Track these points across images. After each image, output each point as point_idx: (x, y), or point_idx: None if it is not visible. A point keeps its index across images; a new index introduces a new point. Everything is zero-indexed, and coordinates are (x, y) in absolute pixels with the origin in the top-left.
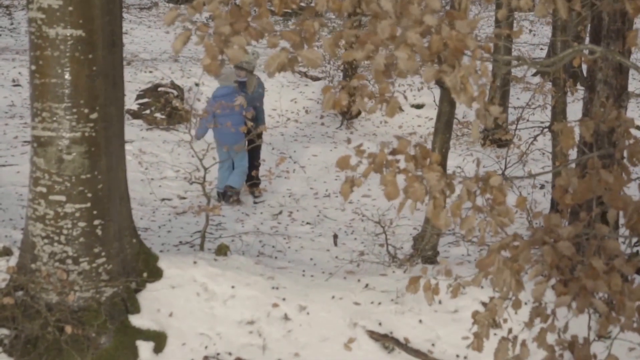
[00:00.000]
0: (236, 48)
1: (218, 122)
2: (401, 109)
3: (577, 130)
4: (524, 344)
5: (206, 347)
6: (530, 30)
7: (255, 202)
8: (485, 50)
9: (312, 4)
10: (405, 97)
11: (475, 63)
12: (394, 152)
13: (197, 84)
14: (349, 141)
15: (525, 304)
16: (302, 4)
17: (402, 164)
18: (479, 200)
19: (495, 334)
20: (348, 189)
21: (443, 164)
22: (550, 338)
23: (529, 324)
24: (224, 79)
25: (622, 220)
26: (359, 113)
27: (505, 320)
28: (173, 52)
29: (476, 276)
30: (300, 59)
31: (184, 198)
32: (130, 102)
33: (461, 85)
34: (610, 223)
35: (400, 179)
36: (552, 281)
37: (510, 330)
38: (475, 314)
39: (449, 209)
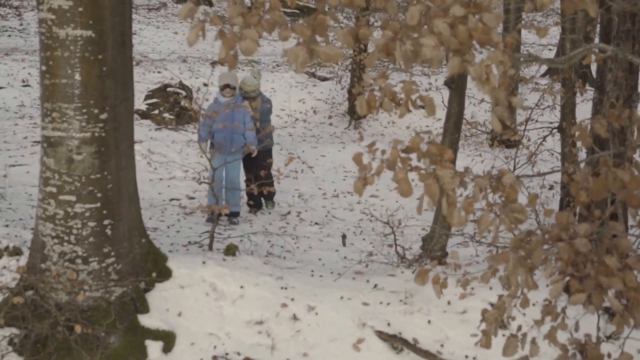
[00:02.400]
0: (249, 41)
1: (216, 131)
2: (409, 110)
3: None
4: (533, 341)
5: (215, 347)
6: (546, 28)
7: (267, 208)
8: (508, 45)
9: None
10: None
11: (500, 53)
12: (406, 150)
13: (205, 84)
14: (361, 138)
15: (534, 304)
16: (311, 6)
17: (414, 162)
18: (490, 199)
19: (503, 335)
20: (361, 186)
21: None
22: (562, 337)
23: (540, 322)
24: (226, 78)
25: (631, 222)
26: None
27: (513, 318)
28: (188, 44)
29: (485, 273)
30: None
31: (193, 198)
32: (139, 103)
33: (485, 76)
34: (627, 221)
35: (411, 177)
36: (566, 279)
37: (519, 328)
38: (484, 312)
39: (460, 207)
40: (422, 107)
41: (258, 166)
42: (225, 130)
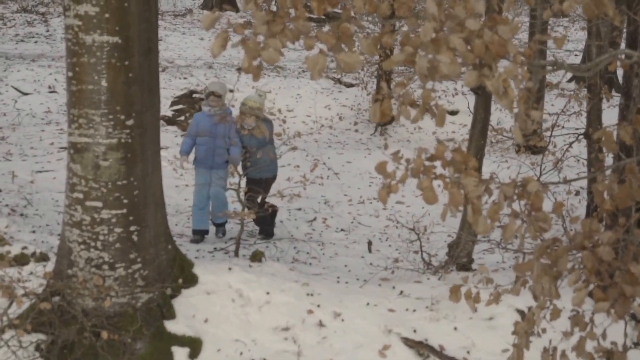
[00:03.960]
0: (271, 50)
1: (199, 143)
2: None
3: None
4: (564, 354)
5: (241, 353)
6: (564, 36)
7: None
8: (527, 56)
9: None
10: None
11: (517, 67)
12: (431, 158)
13: (231, 91)
14: (385, 146)
15: (561, 310)
16: (337, 10)
17: (438, 170)
18: (516, 206)
19: (531, 341)
20: (385, 194)
21: (478, 170)
22: (589, 345)
23: (568, 334)
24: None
25: None
26: (392, 119)
27: (544, 330)
28: (212, 55)
29: (515, 284)
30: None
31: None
32: (165, 109)
33: (502, 89)
34: None
35: (436, 185)
36: (590, 287)
37: (550, 342)
38: (516, 324)
39: (486, 214)
40: (451, 113)
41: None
42: (208, 143)
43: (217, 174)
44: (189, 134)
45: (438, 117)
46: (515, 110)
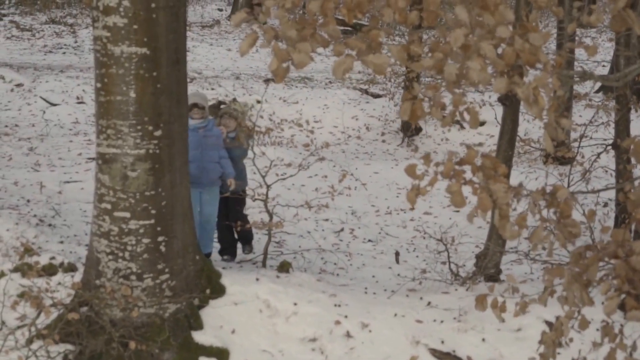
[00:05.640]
0: (302, 54)
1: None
2: (462, 127)
3: None
4: None
5: None
6: (595, 46)
7: (245, 253)
8: (557, 65)
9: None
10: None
11: (547, 76)
12: (461, 162)
13: (259, 101)
14: (415, 149)
15: (590, 321)
16: (363, 22)
17: (468, 175)
18: (545, 214)
19: (559, 353)
20: (414, 196)
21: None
22: (619, 357)
23: (598, 345)
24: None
25: None
26: (420, 130)
27: (571, 340)
28: (239, 54)
29: (542, 294)
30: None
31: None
32: None
33: (533, 97)
34: None
35: (465, 194)
36: (622, 296)
37: (579, 352)
38: (543, 334)
39: (514, 221)
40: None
41: (230, 211)
42: (198, 159)
43: (211, 193)
44: None
45: (471, 119)
46: (545, 120)
